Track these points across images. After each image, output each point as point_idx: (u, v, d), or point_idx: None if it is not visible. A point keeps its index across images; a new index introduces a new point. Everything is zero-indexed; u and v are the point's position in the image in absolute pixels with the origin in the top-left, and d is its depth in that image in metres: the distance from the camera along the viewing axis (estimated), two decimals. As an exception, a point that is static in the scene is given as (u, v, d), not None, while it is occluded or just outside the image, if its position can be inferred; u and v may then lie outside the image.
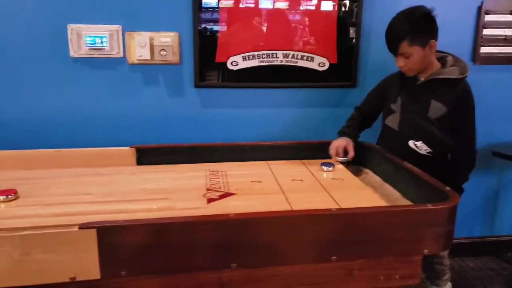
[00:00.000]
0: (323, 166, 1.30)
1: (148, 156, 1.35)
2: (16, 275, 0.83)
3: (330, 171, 1.29)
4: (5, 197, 1.00)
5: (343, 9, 1.54)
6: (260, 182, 1.18)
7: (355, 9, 1.54)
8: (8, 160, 1.25)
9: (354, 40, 1.56)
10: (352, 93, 1.61)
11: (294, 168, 1.34)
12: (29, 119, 1.45)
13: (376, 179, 1.28)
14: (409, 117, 1.28)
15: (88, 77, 1.46)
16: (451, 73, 1.22)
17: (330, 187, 1.15)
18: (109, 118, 1.49)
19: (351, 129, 1.39)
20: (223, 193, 1.08)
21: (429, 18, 1.19)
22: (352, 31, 1.56)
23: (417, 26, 1.17)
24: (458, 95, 1.22)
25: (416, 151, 1.28)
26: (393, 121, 1.33)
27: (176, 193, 1.09)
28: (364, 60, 1.60)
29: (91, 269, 0.82)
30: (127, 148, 1.35)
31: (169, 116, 1.52)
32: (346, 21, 1.55)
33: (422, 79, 1.26)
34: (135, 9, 1.44)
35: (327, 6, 1.53)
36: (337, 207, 1.00)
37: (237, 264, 0.84)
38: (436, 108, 1.23)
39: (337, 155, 1.33)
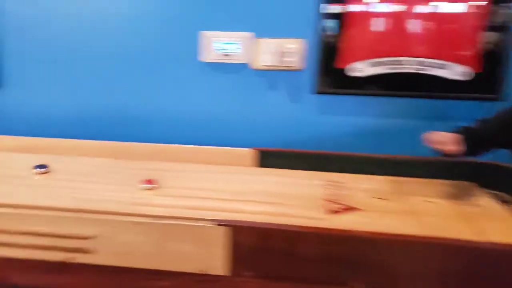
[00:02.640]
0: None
1: (268, 159, 1.39)
2: (154, 259, 0.92)
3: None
4: (148, 185, 1.12)
5: (485, 11, 1.38)
6: (385, 199, 1.12)
7: (501, 11, 1.37)
8: (151, 153, 1.39)
9: (498, 46, 1.39)
10: (495, 107, 1.43)
11: (424, 187, 1.24)
12: (160, 116, 1.59)
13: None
14: None
15: (215, 80, 1.55)
16: None
17: (469, 214, 1.04)
18: (233, 119, 1.56)
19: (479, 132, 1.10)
20: (345, 206, 1.05)
21: None
22: (496, 35, 1.39)
23: None
24: None
25: None
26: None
27: (295, 199, 1.09)
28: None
29: (220, 265, 0.86)
30: (250, 149, 1.41)
31: (288, 121, 1.54)
32: (488, 24, 1.39)
33: None
34: (264, 17, 1.49)
35: (465, 8, 1.39)
36: (475, 237, 0.90)
37: (365, 285, 0.81)
38: None
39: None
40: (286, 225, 0.86)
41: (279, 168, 1.37)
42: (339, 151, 1.43)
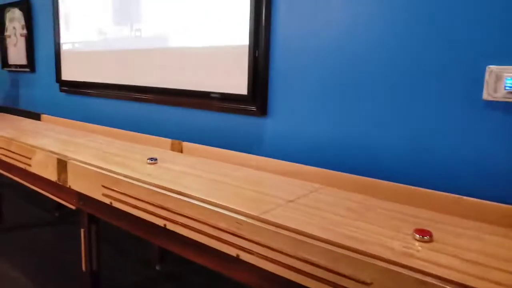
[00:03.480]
0: None
1: None
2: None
3: None
4: (422, 236, 1.01)
5: None
6: None
7: None
8: (421, 199, 1.28)
9: None
10: None
11: None
12: (430, 158, 1.45)
13: None
14: None
15: (501, 122, 1.31)
16: None
17: None
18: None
19: None
20: None
21: None
22: None
23: None
24: None
25: None
26: None
27: None
28: None
29: None
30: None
31: None
32: None
33: None
34: None
35: None
36: None
37: None
38: None
39: None
40: None
41: None
42: None
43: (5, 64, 3.94)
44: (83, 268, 1.81)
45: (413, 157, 1.48)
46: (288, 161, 1.63)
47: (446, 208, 1.23)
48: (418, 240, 1.00)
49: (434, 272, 0.83)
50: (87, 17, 2.83)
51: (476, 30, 1.34)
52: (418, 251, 0.95)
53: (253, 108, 1.91)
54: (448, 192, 1.26)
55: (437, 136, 1.43)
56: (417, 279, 0.83)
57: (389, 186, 1.34)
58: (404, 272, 0.85)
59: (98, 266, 1.81)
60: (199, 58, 2.12)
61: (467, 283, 0.80)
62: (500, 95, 1.30)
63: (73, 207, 1.75)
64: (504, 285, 0.81)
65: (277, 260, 1.04)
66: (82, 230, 1.77)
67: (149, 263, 2.15)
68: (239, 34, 1.91)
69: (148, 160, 1.73)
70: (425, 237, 1.00)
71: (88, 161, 1.70)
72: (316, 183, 1.48)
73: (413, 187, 1.30)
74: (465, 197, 1.23)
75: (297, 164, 1.56)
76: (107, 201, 1.53)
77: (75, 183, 1.70)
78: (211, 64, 2.07)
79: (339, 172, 1.45)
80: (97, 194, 1.58)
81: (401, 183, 1.33)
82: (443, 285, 0.81)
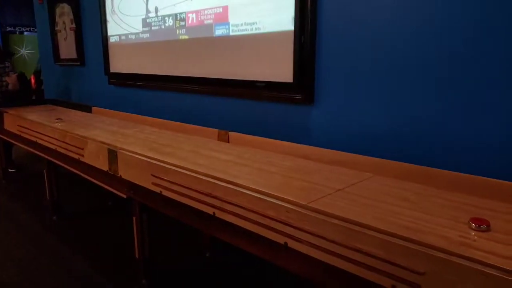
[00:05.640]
0: None
1: None
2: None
3: None
4: (477, 225, 0.97)
5: None
6: None
7: None
8: (479, 188, 1.22)
9: None
10: None
11: None
12: (487, 144, 1.39)
13: None
14: None
15: None
16: None
17: None
18: None
19: None
20: None
21: None
22: None
23: None
24: None
25: None
26: None
27: None
28: None
29: None
30: None
31: None
32: None
33: None
34: None
35: None
36: None
37: None
38: None
39: None
40: None
41: None
42: None
43: (57, 58, 4.16)
44: (136, 255, 1.89)
45: (468, 143, 1.42)
46: (336, 150, 1.60)
47: (505, 197, 1.17)
48: (474, 230, 0.97)
49: (491, 262, 0.80)
50: (132, 9, 2.91)
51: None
52: (474, 240, 0.92)
53: (299, 97, 1.90)
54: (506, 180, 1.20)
55: (496, 124, 1.36)
56: (473, 268, 0.80)
57: (444, 175, 1.29)
58: (459, 262, 0.82)
59: (150, 253, 1.89)
60: (245, 47, 2.13)
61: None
62: None
63: (124, 196, 1.83)
64: None
65: (327, 249, 1.04)
66: (134, 219, 1.85)
67: (200, 251, 2.22)
68: (283, 19, 1.89)
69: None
70: (482, 226, 0.96)
71: (137, 151, 1.77)
72: (366, 172, 1.45)
73: (470, 175, 1.24)
74: None
75: (345, 153, 1.53)
76: (157, 190, 1.59)
77: (126, 173, 1.78)
78: (256, 52, 2.07)
79: (391, 161, 1.41)
80: (147, 183, 1.64)
81: (457, 171, 1.28)
82: (502, 276, 0.78)
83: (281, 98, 2.00)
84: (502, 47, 1.32)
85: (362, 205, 1.15)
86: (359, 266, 0.97)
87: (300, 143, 1.73)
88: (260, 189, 1.25)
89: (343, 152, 1.55)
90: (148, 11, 2.77)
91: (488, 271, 0.80)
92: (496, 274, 0.79)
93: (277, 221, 1.17)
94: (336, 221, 1.04)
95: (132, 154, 1.75)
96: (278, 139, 1.79)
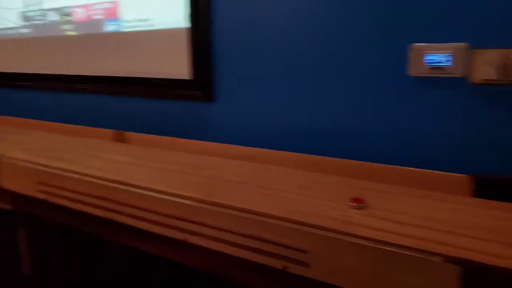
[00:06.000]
0: None
1: (487, 187, 1.20)
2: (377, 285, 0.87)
3: None
4: (356, 204, 1.09)
5: None
6: None
7: None
8: (351, 169, 1.37)
9: None
10: None
11: None
12: (365, 132, 1.53)
13: None
14: None
15: (426, 96, 1.43)
16: None
17: None
18: (444, 140, 1.41)
19: None
20: None
21: None
22: None
23: None
24: None
25: None
26: None
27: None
28: None
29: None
30: (461, 175, 1.25)
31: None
32: None
33: None
34: (482, 25, 1.30)
35: None
36: None
37: None
38: None
39: None
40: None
41: (502, 200, 1.16)
42: None
43: None
44: (22, 270, 1.73)
45: (348, 132, 1.57)
46: (243, 145, 1.63)
47: (383, 177, 1.33)
48: (353, 208, 1.08)
49: (364, 234, 0.91)
50: (6, 0, 2.62)
51: (396, 14, 1.43)
52: (352, 217, 1.03)
53: (199, 94, 1.90)
54: (386, 163, 1.37)
55: (370, 111, 1.53)
56: (347, 241, 0.90)
57: (333, 162, 1.41)
58: (340, 238, 0.92)
59: (38, 268, 1.74)
60: (139, 44, 2.05)
61: (392, 241, 0.88)
62: (423, 71, 1.41)
63: (8, 207, 1.66)
64: (421, 239, 0.90)
65: (225, 240, 1.08)
66: (19, 231, 1.69)
67: (99, 261, 2.10)
68: (177, 16, 1.88)
69: None
70: (360, 204, 1.08)
71: (22, 158, 1.62)
72: (264, 163, 1.52)
73: (354, 161, 1.39)
74: (397, 167, 1.34)
75: (245, 147, 1.58)
76: (44, 197, 1.47)
77: (10, 182, 1.61)
78: (151, 50, 2.02)
79: (287, 152, 1.50)
80: (33, 191, 1.51)
81: (346, 158, 1.41)
82: (373, 245, 0.89)
83: (180, 96, 1.98)
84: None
85: (260, 194, 1.20)
86: (255, 252, 1.02)
87: (203, 140, 1.73)
88: (158, 188, 1.24)
89: (243, 147, 1.60)
90: (26, 4, 2.52)
91: (363, 243, 0.90)
92: (370, 245, 0.89)
93: (176, 218, 1.17)
94: (234, 212, 1.08)
95: (17, 161, 1.59)
96: (180, 137, 1.77)
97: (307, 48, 1.61)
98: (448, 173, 1.28)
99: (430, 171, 1.30)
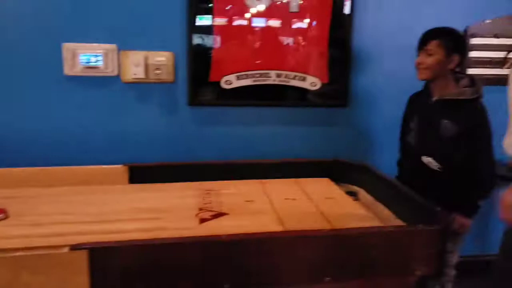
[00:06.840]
0: None
1: (140, 174, 1.35)
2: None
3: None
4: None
5: (334, 28, 1.56)
6: (253, 201, 1.18)
7: (346, 29, 1.57)
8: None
9: (345, 61, 1.59)
10: (344, 113, 1.64)
11: (288, 186, 1.35)
12: (20, 136, 1.44)
13: (369, 198, 1.30)
14: (422, 135, 1.34)
15: (82, 95, 1.46)
16: (462, 94, 1.26)
17: (323, 206, 1.16)
18: (102, 136, 1.49)
19: None
20: (215, 213, 1.08)
21: (465, 41, 1.39)
22: (342, 52, 1.59)
23: (454, 36, 1.27)
24: (469, 115, 1.25)
25: (429, 167, 1.31)
26: (411, 138, 1.38)
27: (168, 212, 1.09)
28: (355, 81, 1.62)
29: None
30: (119, 166, 1.36)
31: (163, 135, 1.52)
32: (337, 41, 1.57)
33: (434, 99, 1.30)
34: (130, 28, 1.46)
35: (319, 25, 1.56)
36: (330, 227, 1.01)
37: (230, 285, 0.83)
38: (447, 128, 1.27)
39: None
40: (148, 239, 0.84)
41: (156, 182, 1.34)
42: (214, 159, 1.47)
43: None
44: None
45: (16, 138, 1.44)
46: None
47: (28, 182, 1.27)
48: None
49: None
50: None
51: (49, 14, 1.39)
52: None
53: None
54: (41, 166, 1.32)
55: (26, 112, 1.44)
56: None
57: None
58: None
59: None
60: None
61: (29, 245, 0.85)
62: (78, 70, 1.43)
63: None
64: (55, 236, 0.92)
65: None
66: None
67: None
68: None
69: None
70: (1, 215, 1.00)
71: None
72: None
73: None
74: (47, 168, 1.32)
75: None
76: None
77: None
78: None
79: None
80: None
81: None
82: (9, 255, 0.82)
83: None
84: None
85: None
86: None
87: None
88: None
89: None
90: None
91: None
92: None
93: None
94: None
95: None
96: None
97: None
98: (106, 166, 1.36)
99: (89, 167, 1.35)
